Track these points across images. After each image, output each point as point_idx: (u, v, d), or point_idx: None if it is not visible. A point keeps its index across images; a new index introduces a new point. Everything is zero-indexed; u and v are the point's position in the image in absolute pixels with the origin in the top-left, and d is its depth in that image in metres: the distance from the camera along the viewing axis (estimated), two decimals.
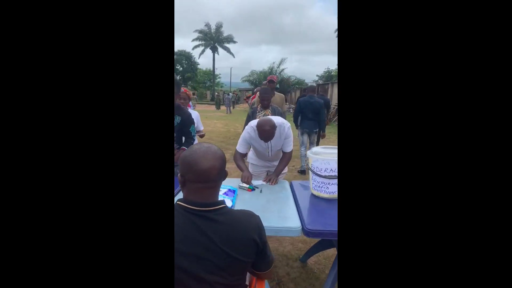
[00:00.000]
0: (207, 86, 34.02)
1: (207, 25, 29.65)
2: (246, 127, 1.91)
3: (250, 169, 2.12)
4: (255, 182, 1.81)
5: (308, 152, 1.60)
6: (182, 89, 2.57)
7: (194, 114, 2.59)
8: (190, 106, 2.93)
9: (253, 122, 1.83)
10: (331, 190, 1.53)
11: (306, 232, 1.23)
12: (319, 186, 1.56)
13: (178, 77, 28.65)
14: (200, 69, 33.70)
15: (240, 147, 1.94)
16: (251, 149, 2.06)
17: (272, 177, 1.84)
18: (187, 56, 29.68)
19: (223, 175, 0.83)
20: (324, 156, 1.53)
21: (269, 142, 1.85)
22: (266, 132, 1.71)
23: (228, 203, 1.40)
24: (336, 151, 1.61)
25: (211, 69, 32.64)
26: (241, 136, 1.94)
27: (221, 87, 36.58)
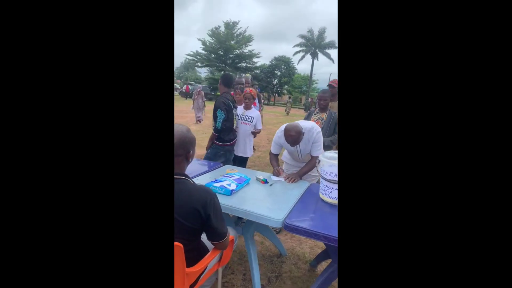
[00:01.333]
0: (303, 91, 34.37)
1: (310, 31, 29.92)
2: (278, 130, 2.03)
3: (284, 168, 2.22)
4: (276, 178, 1.92)
5: (321, 156, 1.60)
6: (248, 89, 2.86)
7: (255, 113, 2.81)
8: (256, 105, 3.17)
9: (283, 126, 1.94)
10: (334, 195, 1.50)
11: (284, 225, 1.29)
12: (324, 190, 1.55)
13: (275, 81, 29.97)
14: (298, 74, 34.40)
15: (273, 148, 2.08)
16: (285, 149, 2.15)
17: (291, 176, 1.90)
18: (286, 62, 30.79)
19: (182, 153, 1.01)
20: (333, 161, 1.51)
21: (298, 146, 1.92)
22: (291, 137, 1.80)
23: (233, 187, 1.58)
24: None
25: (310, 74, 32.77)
26: (273, 138, 2.07)
27: (317, 92, 36.32)
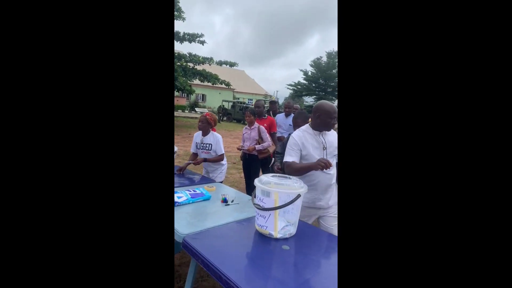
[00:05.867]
0: None
1: None
2: (294, 133, 1.75)
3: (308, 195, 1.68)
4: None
5: (256, 180, 1.43)
6: (206, 113, 2.61)
7: (213, 139, 2.52)
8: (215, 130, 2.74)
9: (304, 127, 1.75)
10: (260, 222, 1.33)
11: (183, 242, 1.25)
12: (255, 216, 1.39)
13: None
14: None
15: (288, 157, 1.64)
16: None
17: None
18: None
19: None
20: (264, 186, 1.35)
21: (323, 137, 1.68)
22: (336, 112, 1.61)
23: (181, 200, 1.65)
24: (284, 182, 1.35)
25: None
26: (287, 146, 1.70)
27: None
